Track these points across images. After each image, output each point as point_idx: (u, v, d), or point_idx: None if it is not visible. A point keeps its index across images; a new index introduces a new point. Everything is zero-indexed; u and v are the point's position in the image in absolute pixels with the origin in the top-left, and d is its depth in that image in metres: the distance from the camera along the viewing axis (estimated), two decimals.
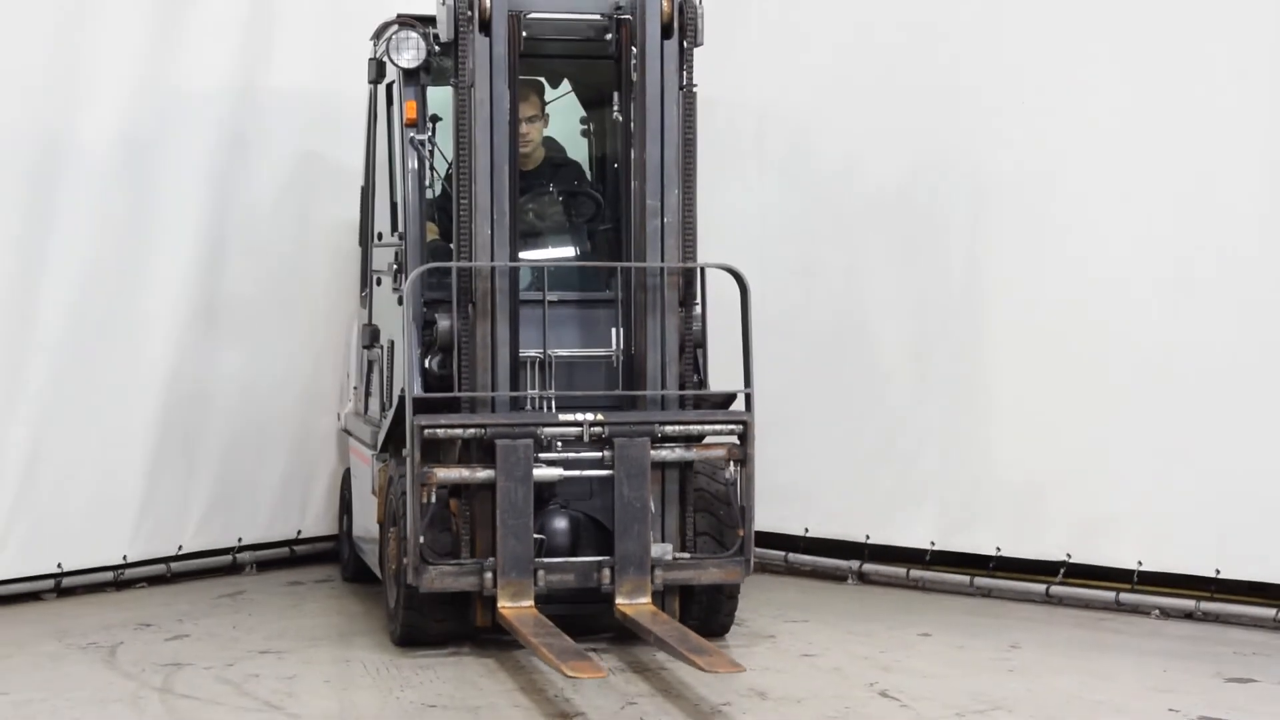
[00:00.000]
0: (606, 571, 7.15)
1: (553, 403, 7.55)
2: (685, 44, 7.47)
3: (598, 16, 7.58)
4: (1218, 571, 8.79)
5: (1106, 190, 9.31)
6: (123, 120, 10.13)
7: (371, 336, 8.75)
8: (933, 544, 10.04)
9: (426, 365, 7.55)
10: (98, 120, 9.97)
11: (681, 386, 7.60)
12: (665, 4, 7.29)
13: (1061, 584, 9.45)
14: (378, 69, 8.46)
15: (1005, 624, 8.91)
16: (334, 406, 11.11)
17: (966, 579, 9.87)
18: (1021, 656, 8.25)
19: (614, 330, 7.70)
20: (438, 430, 7.11)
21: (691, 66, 7.50)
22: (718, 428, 7.53)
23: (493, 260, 7.29)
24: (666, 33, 7.33)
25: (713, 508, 7.65)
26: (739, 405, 7.62)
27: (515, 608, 6.95)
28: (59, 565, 9.34)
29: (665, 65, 7.35)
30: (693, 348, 7.71)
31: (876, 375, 10.27)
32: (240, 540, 10.29)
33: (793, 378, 10.20)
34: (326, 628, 8.92)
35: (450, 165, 7.98)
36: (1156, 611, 9.12)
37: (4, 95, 9.53)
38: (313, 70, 10.92)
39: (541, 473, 7.18)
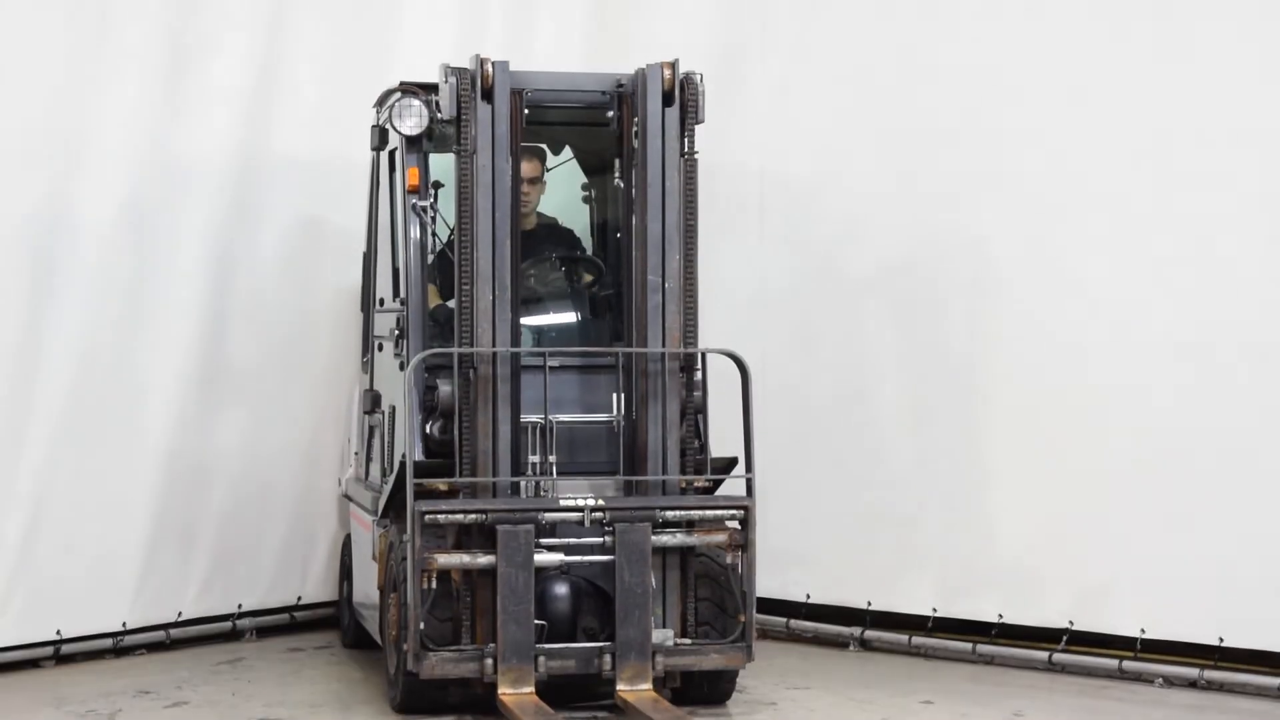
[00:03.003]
0: (608, 658, 7.00)
1: (554, 483, 7.41)
2: (686, 117, 7.42)
3: (599, 94, 7.63)
4: (1221, 640, 8.67)
5: (1104, 258, 9.25)
6: (124, 188, 10.04)
7: (373, 402, 8.69)
8: (934, 610, 9.93)
9: (427, 430, 7.46)
10: (99, 188, 9.89)
11: (683, 454, 7.47)
12: (667, 73, 7.28)
13: (1064, 651, 9.34)
14: (380, 136, 8.43)
15: (1008, 691, 8.84)
16: (334, 471, 10.98)
17: (969, 646, 9.72)
18: None
19: (614, 395, 7.57)
20: (439, 516, 7.00)
21: (693, 136, 7.45)
22: (719, 513, 7.37)
23: (494, 323, 7.18)
24: (668, 101, 7.32)
25: (714, 592, 7.51)
26: (739, 488, 7.53)
27: (515, 694, 6.85)
28: (58, 632, 9.26)
29: (666, 133, 7.31)
30: (694, 414, 7.61)
31: (876, 442, 10.18)
32: (240, 606, 10.23)
33: (793, 443, 10.10)
34: (326, 694, 8.88)
35: (451, 231, 7.90)
36: (1160, 680, 8.99)
37: (4, 163, 9.41)
38: (315, 137, 10.82)
39: (542, 558, 7.06)
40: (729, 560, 7.32)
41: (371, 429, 8.83)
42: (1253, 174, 8.96)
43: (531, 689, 6.88)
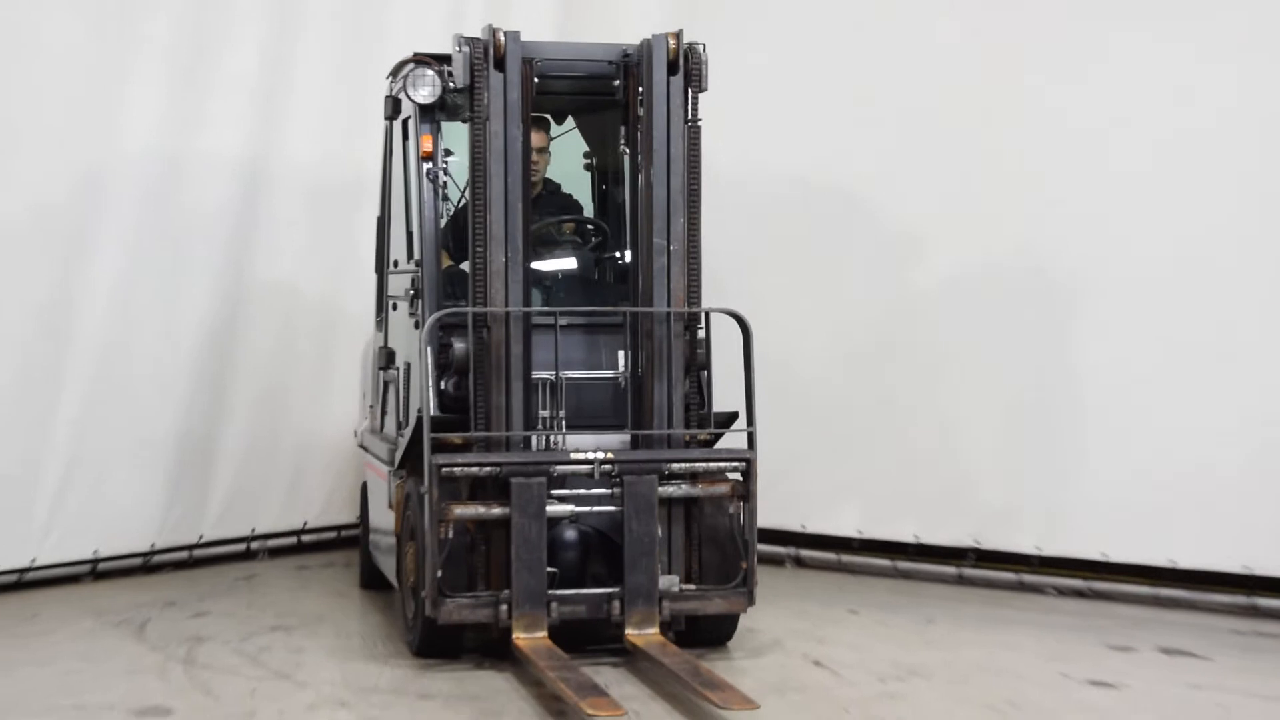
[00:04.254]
0: (616, 604, 6.95)
1: (564, 438, 7.33)
2: (690, 85, 7.27)
3: (605, 64, 7.53)
4: (1104, 555, 9.37)
5: (1012, 209, 9.77)
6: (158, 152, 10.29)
7: (387, 358, 8.52)
8: (860, 532, 10.47)
9: (442, 386, 7.32)
10: (136, 146, 10.16)
11: (686, 409, 7.43)
12: (671, 43, 7.15)
13: (971, 568, 9.98)
14: (394, 105, 8.23)
15: (922, 602, 9.33)
16: (336, 415, 11.21)
17: (889, 563, 10.30)
18: (936, 630, 8.61)
19: (621, 354, 7.53)
20: (454, 469, 6.87)
21: (696, 103, 7.30)
22: (722, 465, 7.28)
23: (506, 283, 7.07)
24: (672, 70, 7.19)
25: (717, 539, 7.39)
26: (741, 441, 7.46)
27: (529, 638, 6.77)
28: (95, 552, 9.67)
29: (671, 101, 7.21)
30: (696, 370, 7.54)
31: (809, 382, 10.53)
32: (254, 530, 10.63)
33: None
34: (330, 607, 9.16)
35: (463, 196, 7.94)
36: (1052, 590, 9.61)
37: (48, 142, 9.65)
38: (322, 116, 11.10)
39: (554, 509, 6.98)
40: (731, 510, 7.29)
41: (386, 384, 8.57)
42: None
43: (544, 633, 6.80)
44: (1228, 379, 9.25)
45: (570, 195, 8.80)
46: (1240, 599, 9.23)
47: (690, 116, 7.29)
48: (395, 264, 8.42)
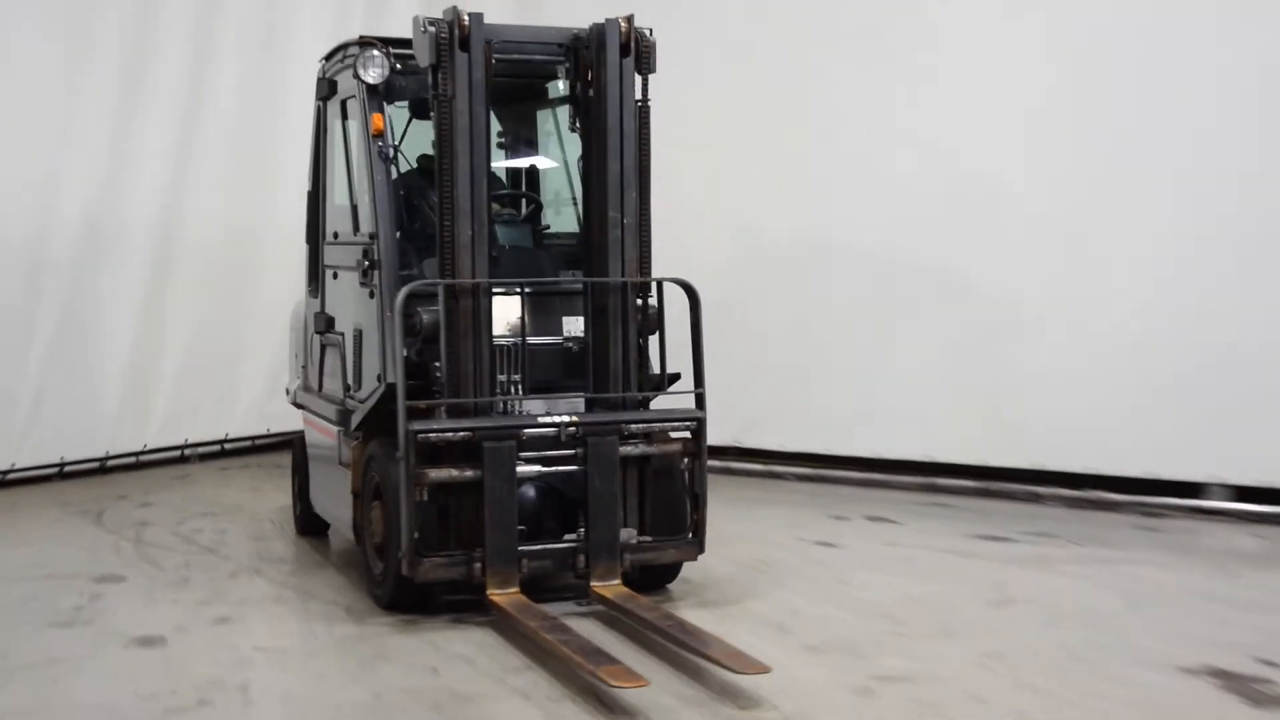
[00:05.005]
0: (581, 557, 6.14)
1: (529, 402, 6.39)
2: (640, 67, 6.31)
3: (556, 46, 6.48)
4: (827, 449, 9.81)
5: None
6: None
7: (327, 324, 7.34)
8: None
9: (406, 354, 6.18)
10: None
11: (640, 371, 6.48)
12: (624, 26, 6.23)
13: (732, 460, 10.17)
14: (329, 87, 7.23)
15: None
16: (252, 357, 10.93)
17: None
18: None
19: (567, 319, 6.58)
20: (430, 434, 5.94)
21: (646, 84, 6.34)
22: (676, 424, 6.42)
23: (473, 255, 6.10)
24: (624, 52, 6.25)
25: (664, 493, 6.49)
26: (687, 402, 6.53)
27: (503, 594, 5.96)
28: (61, 457, 9.65)
29: (624, 82, 6.28)
30: (647, 335, 6.51)
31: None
32: (186, 440, 10.54)
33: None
34: (248, 499, 9.25)
35: (404, 172, 6.96)
36: (791, 477, 10.01)
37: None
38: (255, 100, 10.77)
39: (523, 470, 6.11)
40: (682, 466, 6.43)
41: (324, 347, 7.43)
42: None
43: (516, 588, 6.00)
44: (916, 321, 9.52)
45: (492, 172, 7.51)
46: (922, 479, 9.61)
47: (640, 97, 6.37)
48: (335, 235, 7.27)
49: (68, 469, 9.71)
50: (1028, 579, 7.19)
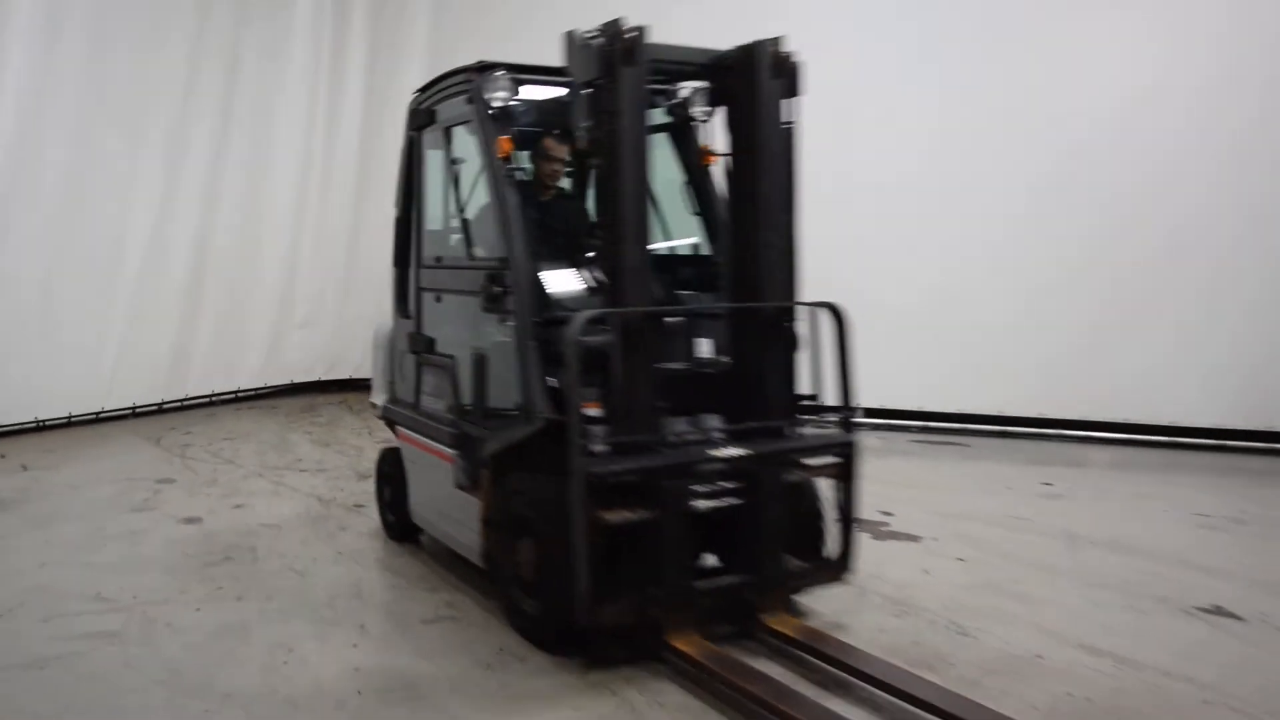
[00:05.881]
0: (751, 591, 4.41)
1: (709, 434, 4.49)
2: (789, 91, 4.58)
3: (701, 64, 4.68)
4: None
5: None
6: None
7: (426, 345, 5.49)
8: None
9: (558, 384, 4.34)
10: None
11: (788, 396, 4.61)
12: (773, 49, 4.55)
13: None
14: (427, 117, 5.44)
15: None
16: (262, 326, 10.52)
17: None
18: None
19: (706, 343, 4.72)
20: (609, 476, 4.04)
21: (792, 107, 4.63)
22: (830, 450, 4.57)
23: (640, 281, 4.24)
24: (774, 74, 4.56)
25: (808, 515, 4.77)
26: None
27: (681, 635, 4.15)
28: (133, 402, 9.64)
29: (773, 104, 4.58)
30: (794, 355, 4.62)
31: None
32: (213, 390, 10.38)
33: None
34: (256, 428, 9.17)
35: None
36: None
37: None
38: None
39: (697, 505, 4.28)
40: (836, 490, 4.61)
41: (422, 367, 5.54)
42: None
43: (694, 629, 4.21)
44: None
45: (577, 200, 5.91)
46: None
47: (788, 119, 4.63)
48: (438, 259, 5.43)
49: (138, 410, 9.64)
50: None
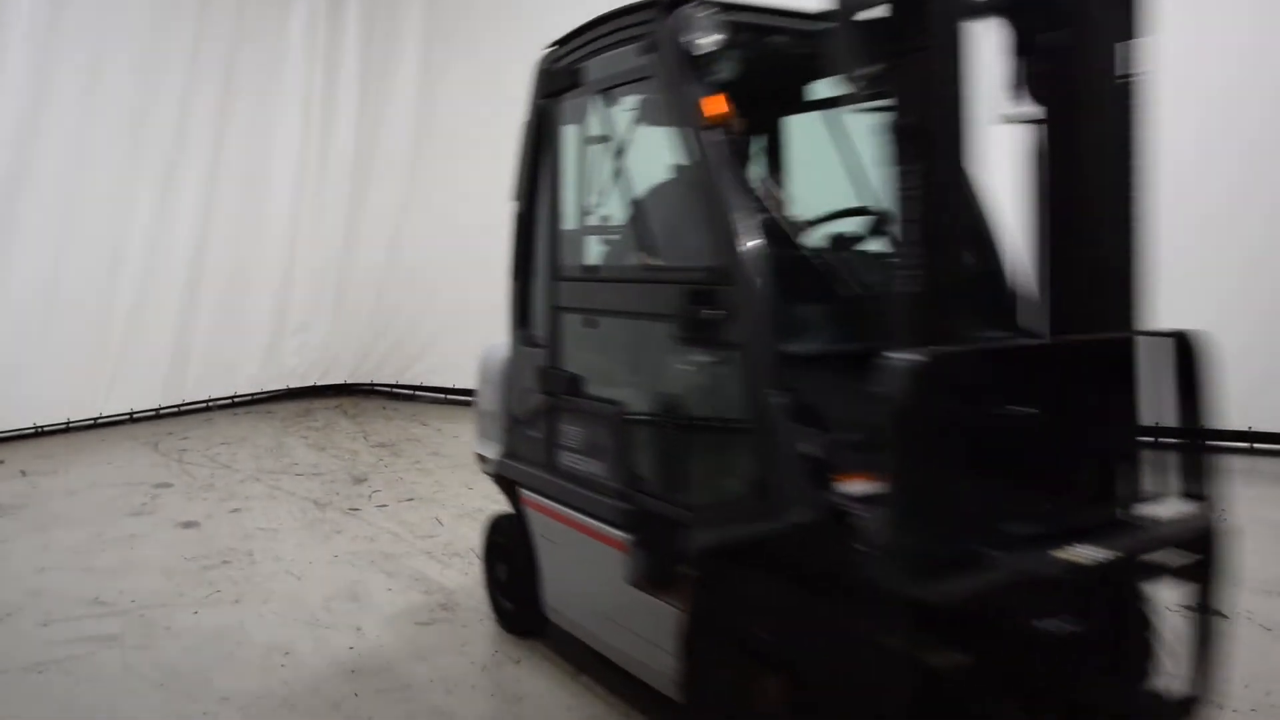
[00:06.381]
0: None
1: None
2: (1126, 26, 2.71)
3: None
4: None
5: None
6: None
7: (566, 384, 3.86)
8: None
9: (805, 451, 2.71)
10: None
11: (1127, 457, 2.81)
12: None
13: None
14: (569, 78, 3.79)
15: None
16: (255, 336, 10.29)
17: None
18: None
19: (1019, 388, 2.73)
20: (940, 597, 2.35)
21: (1132, 53, 2.72)
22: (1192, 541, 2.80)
23: (961, 306, 2.53)
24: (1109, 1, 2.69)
25: (1148, 630, 3.07)
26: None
27: None
28: (130, 408, 9.50)
29: (1108, 47, 2.71)
30: (1134, 406, 2.78)
31: None
32: (209, 396, 10.22)
33: None
34: (251, 433, 8.95)
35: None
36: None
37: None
38: None
39: (1045, 627, 2.60)
40: (1193, 594, 2.82)
41: (559, 412, 3.93)
42: None
43: None
44: None
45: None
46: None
47: (1126, 69, 2.75)
48: (590, 270, 3.88)
49: (135, 415, 9.55)
50: None
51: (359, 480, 7.17)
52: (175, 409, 9.92)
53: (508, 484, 4.43)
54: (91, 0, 8.68)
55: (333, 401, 10.77)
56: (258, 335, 10.53)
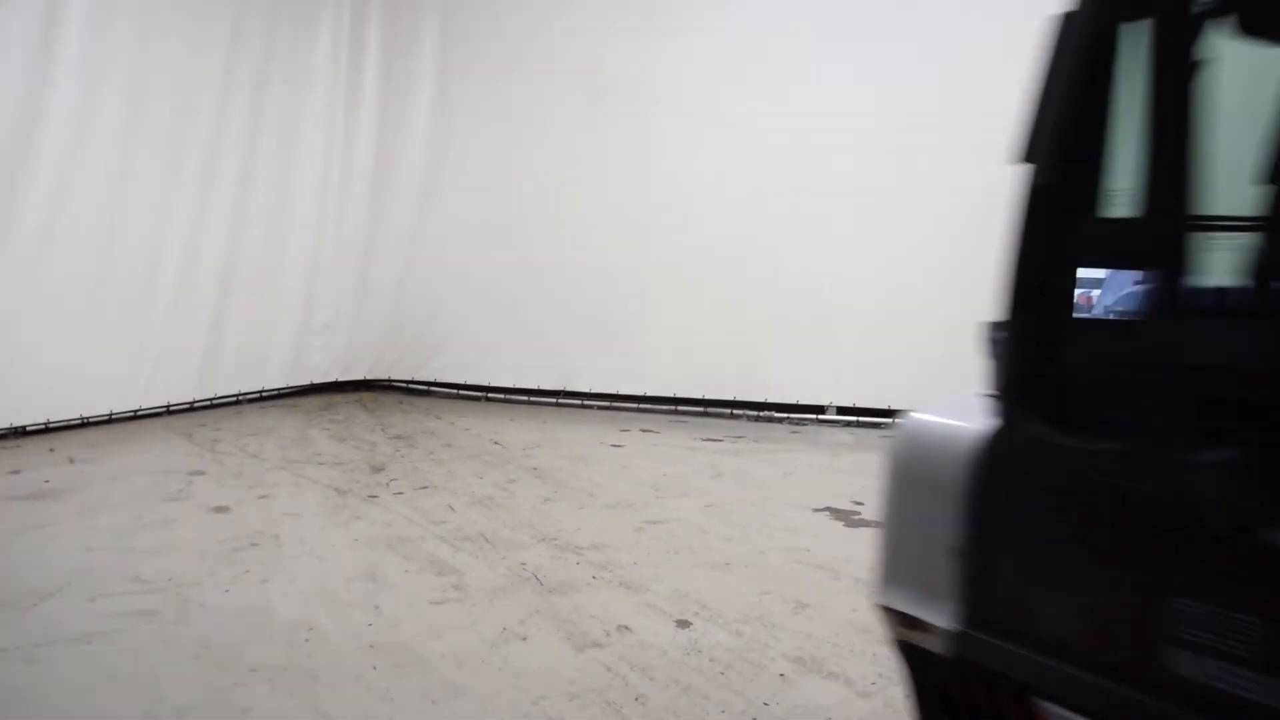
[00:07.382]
0: None
1: None
2: None
3: None
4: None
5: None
6: None
7: (1149, 507, 1.48)
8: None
9: None
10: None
11: None
12: None
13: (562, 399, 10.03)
14: None
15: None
16: (280, 331, 10.23)
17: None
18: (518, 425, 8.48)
19: None
20: None
21: None
22: None
23: None
24: None
25: None
26: None
27: None
28: (167, 402, 9.51)
29: None
30: None
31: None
32: (240, 390, 10.23)
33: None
34: (278, 424, 9.07)
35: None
36: (595, 407, 9.73)
37: None
38: None
39: None
40: None
41: (1168, 563, 1.51)
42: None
43: None
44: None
45: None
46: (669, 407, 9.48)
47: None
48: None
49: (171, 408, 9.55)
50: (728, 462, 7.36)
51: (377, 470, 7.25)
52: (208, 402, 9.95)
53: (980, 673, 2.06)
54: (135, 28, 8.77)
55: (353, 396, 10.85)
56: (285, 334, 10.56)
